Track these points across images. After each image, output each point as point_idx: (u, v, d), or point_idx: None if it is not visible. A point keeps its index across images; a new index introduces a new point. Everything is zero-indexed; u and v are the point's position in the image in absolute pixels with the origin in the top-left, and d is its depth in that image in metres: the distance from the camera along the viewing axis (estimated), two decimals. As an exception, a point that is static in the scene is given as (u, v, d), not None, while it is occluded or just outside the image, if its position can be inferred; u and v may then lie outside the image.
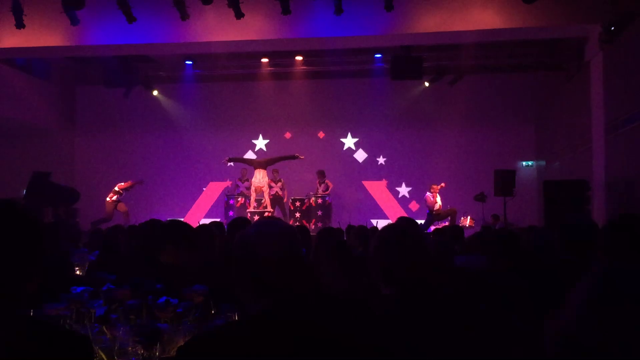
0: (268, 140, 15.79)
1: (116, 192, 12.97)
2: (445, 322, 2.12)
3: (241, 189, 14.15)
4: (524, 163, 14.92)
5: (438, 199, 12.52)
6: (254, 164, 13.45)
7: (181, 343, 2.21)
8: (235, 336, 1.48)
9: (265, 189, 13.19)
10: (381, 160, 15.37)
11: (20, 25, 10.17)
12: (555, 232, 3.29)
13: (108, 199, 12.93)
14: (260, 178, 13.16)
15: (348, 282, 3.52)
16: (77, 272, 4.94)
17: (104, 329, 2.22)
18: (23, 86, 13.79)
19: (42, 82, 14.86)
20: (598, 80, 10.48)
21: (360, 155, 15.55)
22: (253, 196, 13.26)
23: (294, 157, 13.50)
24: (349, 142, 15.59)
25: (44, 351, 1.21)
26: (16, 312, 1.26)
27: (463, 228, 9.47)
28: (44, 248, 1.33)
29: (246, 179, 14.07)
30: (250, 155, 15.59)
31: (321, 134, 15.55)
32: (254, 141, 15.82)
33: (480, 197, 12.62)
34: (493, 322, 2.55)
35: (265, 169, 13.27)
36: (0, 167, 14.88)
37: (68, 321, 2.25)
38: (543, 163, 14.57)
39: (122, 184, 13.10)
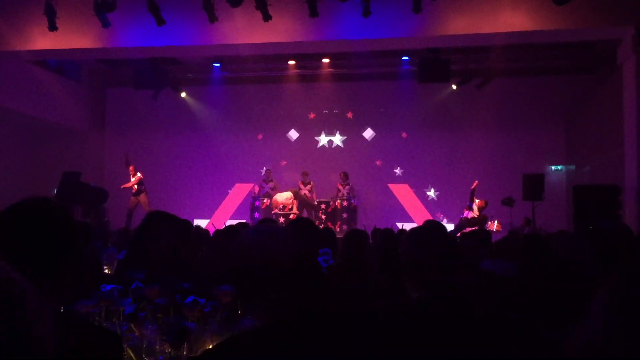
0: (296, 137, 15.75)
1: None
2: (473, 326, 2.09)
3: (266, 189, 14.20)
4: (553, 167, 14.69)
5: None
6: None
7: (208, 342, 2.22)
8: (258, 344, 1.46)
9: (289, 203, 13.42)
10: (407, 163, 15.27)
11: (52, 27, 10.36)
12: (587, 237, 3.23)
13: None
14: (284, 195, 13.42)
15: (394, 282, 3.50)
16: (106, 271, 5.01)
17: (133, 327, 2.24)
18: (54, 87, 14.07)
19: (73, 83, 15.13)
20: (631, 83, 10.28)
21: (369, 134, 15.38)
22: (273, 206, 13.51)
23: (317, 209, 13.84)
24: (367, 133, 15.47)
25: (75, 345, 1.22)
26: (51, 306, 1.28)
27: (491, 232, 9.35)
28: (77, 245, 1.34)
29: (270, 179, 14.14)
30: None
31: (366, 131, 15.48)
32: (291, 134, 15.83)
33: (508, 202, 12.47)
34: (521, 328, 2.50)
35: (293, 195, 13.48)
36: (32, 167, 15.21)
37: (97, 318, 2.28)
38: (573, 167, 14.33)
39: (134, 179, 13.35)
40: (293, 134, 15.65)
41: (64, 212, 1.37)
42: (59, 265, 1.30)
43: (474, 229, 11.67)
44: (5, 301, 0.71)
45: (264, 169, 14.64)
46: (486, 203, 12.25)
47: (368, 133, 15.25)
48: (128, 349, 2.13)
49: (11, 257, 1.21)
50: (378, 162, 15.23)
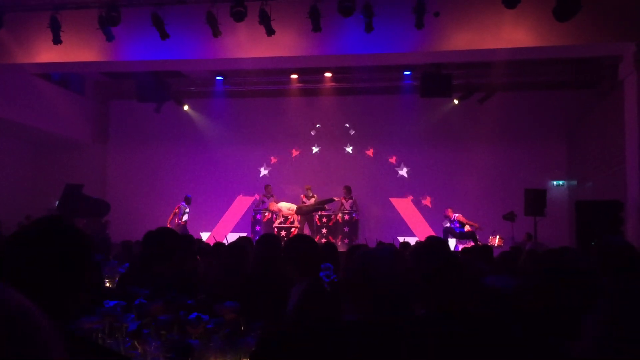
0: (298, 153, 15.79)
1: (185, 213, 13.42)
2: (478, 343, 2.08)
3: (267, 204, 14.19)
4: (554, 182, 14.68)
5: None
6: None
7: (212, 359, 2.21)
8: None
9: (287, 213, 13.41)
10: (407, 175, 15.26)
11: (57, 41, 10.42)
12: (592, 253, 3.22)
13: (182, 222, 13.31)
14: (287, 205, 13.45)
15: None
16: (107, 285, 5.00)
17: (136, 343, 2.23)
18: (58, 100, 14.13)
19: (77, 96, 15.21)
20: (632, 99, 10.29)
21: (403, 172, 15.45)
22: (274, 210, 13.53)
23: (331, 200, 13.78)
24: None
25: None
26: (62, 325, 1.28)
27: (492, 247, 9.34)
28: (91, 263, 1.35)
29: (271, 194, 14.13)
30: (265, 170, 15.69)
31: (370, 152, 15.50)
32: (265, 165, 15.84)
33: (510, 216, 12.46)
34: (526, 345, 2.49)
35: (300, 210, 13.47)
36: (35, 178, 15.25)
37: (101, 335, 2.27)
38: (575, 182, 14.32)
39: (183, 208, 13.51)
40: (295, 148, 15.69)
41: (79, 231, 1.38)
42: (74, 283, 1.32)
43: (471, 244, 11.73)
44: (22, 332, 0.71)
45: (265, 185, 14.63)
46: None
47: (403, 170, 15.30)
48: (131, 365, 2.12)
49: (26, 277, 1.22)
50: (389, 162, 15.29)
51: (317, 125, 15.57)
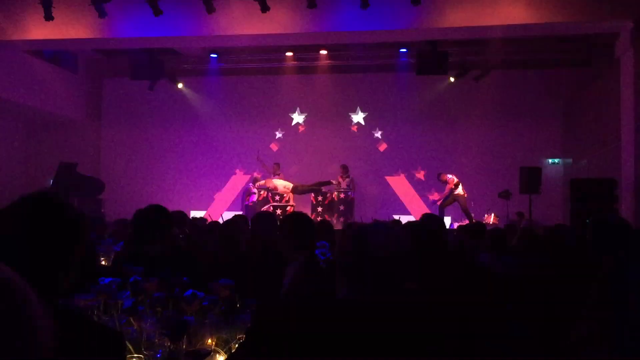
0: (293, 131, 15.74)
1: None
2: (467, 319, 2.09)
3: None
4: (550, 160, 14.70)
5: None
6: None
7: (207, 336, 2.21)
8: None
9: (283, 191, 13.43)
10: (404, 155, 15.24)
11: (49, 17, 10.29)
12: (586, 231, 3.23)
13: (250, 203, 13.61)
14: (283, 183, 13.49)
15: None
16: (103, 263, 5.01)
17: (132, 320, 2.23)
18: (50, 78, 13.99)
19: (69, 73, 15.05)
20: (628, 76, 10.28)
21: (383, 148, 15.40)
22: (270, 187, 13.59)
23: (329, 183, 13.74)
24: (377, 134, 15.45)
25: (77, 344, 1.21)
26: (53, 303, 1.27)
27: (487, 225, 9.38)
28: (84, 240, 1.34)
29: (278, 173, 14.07)
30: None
31: (354, 128, 15.45)
32: (277, 133, 15.74)
33: (505, 195, 12.48)
34: (519, 322, 2.51)
35: (296, 189, 13.46)
36: (28, 157, 15.18)
37: (96, 312, 2.27)
38: (570, 161, 14.35)
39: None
40: (291, 125, 15.62)
41: (71, 208, 1.37)
42: (65, 260, 1.30)
43: (467, 222, 11.75)
44: (8, 306, 0.70)
45: (272, 163, 14.49)
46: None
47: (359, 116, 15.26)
48: (127, 343, 2.12)
49: (15, 254, 1.21)
50: (380, 149, 15.26)
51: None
